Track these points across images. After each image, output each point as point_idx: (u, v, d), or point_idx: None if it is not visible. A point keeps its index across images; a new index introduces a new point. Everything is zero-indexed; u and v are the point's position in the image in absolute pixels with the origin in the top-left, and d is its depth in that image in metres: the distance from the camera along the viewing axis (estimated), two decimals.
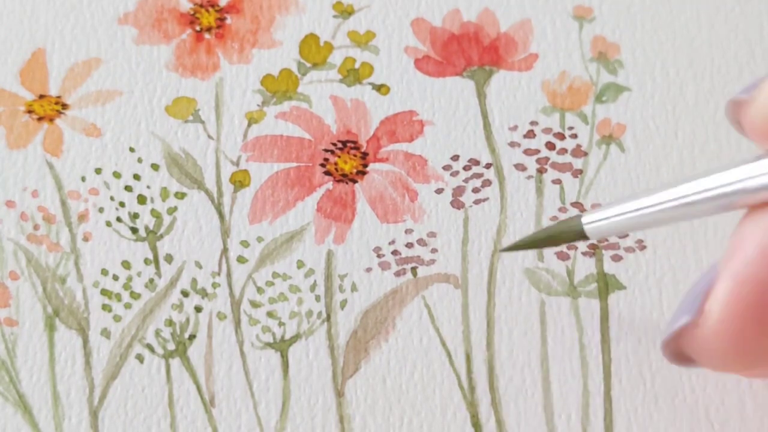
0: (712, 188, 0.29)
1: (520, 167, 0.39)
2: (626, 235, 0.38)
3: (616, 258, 0.38)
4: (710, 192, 0.29)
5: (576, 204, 0.39)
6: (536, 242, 0.35)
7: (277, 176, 0.39)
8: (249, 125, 0.40)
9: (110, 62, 0.41)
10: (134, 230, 0.38)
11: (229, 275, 0.37)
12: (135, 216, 0.38)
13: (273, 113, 0.40)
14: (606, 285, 0.38)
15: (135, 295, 0.37)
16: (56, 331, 0.36)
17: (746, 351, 0.28)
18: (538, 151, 0.40)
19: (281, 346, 0.36)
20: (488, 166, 0.39)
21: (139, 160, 0.39)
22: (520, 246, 0.35)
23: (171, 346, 0.36)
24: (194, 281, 0.37)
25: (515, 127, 0.40)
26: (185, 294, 0.37)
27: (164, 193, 0.38)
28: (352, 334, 0.37)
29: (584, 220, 0.32)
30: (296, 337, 0.36)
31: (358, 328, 0.37)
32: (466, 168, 0.39)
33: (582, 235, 0.33)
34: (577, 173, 0.39)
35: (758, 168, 0.28)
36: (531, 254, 0.38)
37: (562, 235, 0.34)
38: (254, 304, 0.37)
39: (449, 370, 0.36)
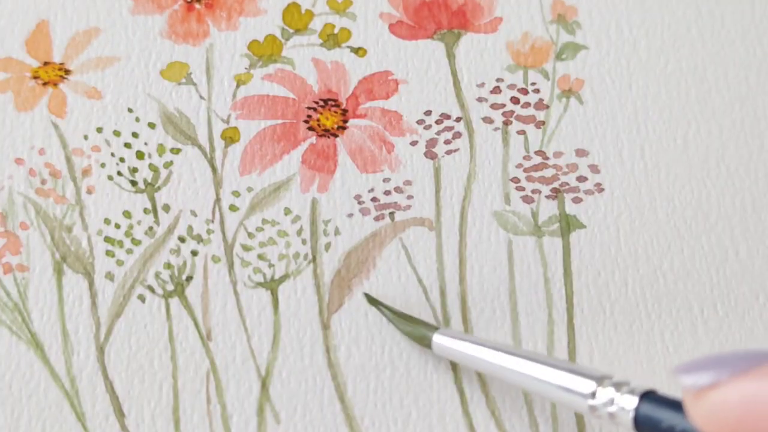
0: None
1: (488, 120, 0.42)
2: (585, 179, 0.41)
3: (577, 200, 0.40)
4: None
5: (539, 152, 0.41)
6: (396, 319, 0.37)
7: (264, 132, 0.41)
8: (237, 86, 0.42)
9: (108, 31, 0.43)
10: (134, 183, 0.40)
11: (222, 222, 0.39)
12: (134, 170, 0.40)
13: (259, 75, 0.42)
14: (568, 224, 0.40)
15: (136, 242, 0.39)
16: (64, 275, 0.38)
17: None
18: (503, 105, 0.42)
19: (271, 285, 0.38)
20: (458, 119, 0.42)
21: (137, 120, 0.41)
22: (384, 309, 0.38)
23: (170, 287, 0.38)
24: (190, 228, 0.39)
25: (482, 84, 0.42)
26: (182, 240, 0.39)
27: (161, 149, 0.40)
28: (336, 273, 0.39)
29: (436, 338, 0.36)
30: (285, 277, 0.38)
31: (342, 268, 0.39)
32: (438, 122, 0.42)
33: (427, 345, 0.36)
34: (540, 124, 0.42)
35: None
36: (499, 198, 0.40)
37: (414, 333, 0.37)
38: (246, 248, 0.39)
39: (425, 304, 0.38)
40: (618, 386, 0.29)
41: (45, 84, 0.41)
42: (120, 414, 0.36)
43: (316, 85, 0.42)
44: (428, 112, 0.42)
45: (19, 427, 0.36)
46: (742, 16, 0.44)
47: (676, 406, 0.27)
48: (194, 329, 0.38)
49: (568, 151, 0.41)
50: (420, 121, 0.42)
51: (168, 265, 0.39)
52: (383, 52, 0.43)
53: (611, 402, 0.29)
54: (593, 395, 0.30)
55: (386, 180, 0.40)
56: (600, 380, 0.30)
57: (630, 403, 0.29)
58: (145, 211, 0.39)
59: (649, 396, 0.28)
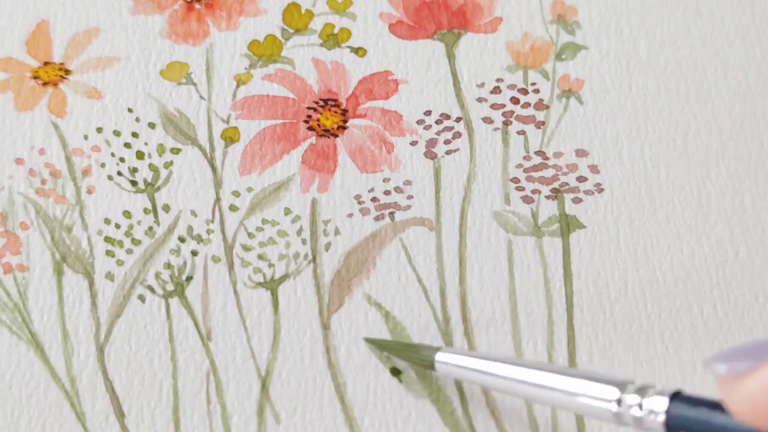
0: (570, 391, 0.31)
1: (488, 120, 0.42)
2: (585, 179, 0.41)
3: (577, 200, 0.40)
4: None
5: (539, 152, 0.41)
6: (395, 349, 0.37)
7: (264, 132, 0.41)
8: (237, 86, 0.42)
9: (108, 31, 0.43)
10: (134, 183, 0.40)
11: (222, 222, 0.39)
12: (134, 170, 0.40)
13: (260, 75, 0.42)
14: (568, 225, 0.40)
15: (136, 242, 0.39)
16: (64, 275, 0.38)
17: None
18: (503, 106, 0.42)
19: (271, 285, 0.38)
20: (458, 119, 0.42)
21: (137, 120, 0.41)
22: (382, 345, 0.37)
23: (170, 287, 0.38)
24: (190, 228, 0.39)
25: (482, 84, 0.42)
26: (182, 240, 0.39)
27: (161, 149, 0.40)
28: (336, 273, 0.39)
29: (438, 357, 0.35)
30: (285, 277, 0.39)
31: (342, 268, 0.39)
32: (438, 122, 0.42)
33: (431, 367, 0.35)
34: (540, 125, 0.42)
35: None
36: (498, 198, 0.40)
37: (415, 357, 0.36)
38: (246, 248, 0.39)
39: (425, 305, 0.38)
40: (642, 390, 0.29)
41: (45, 84, 0.41)
42: (120, 414, 0.36)
43: (316, 85, 0.42)
44: (428, 112, 0.42)
45: (19, 427, 0.36)
46: (742, 16, 0.44)
47: (707, 404, 0.27)
48: (194, 329, 0.38)
49: (568, 152, 0.41)
50: (420, 121, 0.42)
51: (168, 265, 0.39)
52: (383, 52, 0.43)
53: (639, 406, 0.29)
54: (618, 402, 0.29)
55: (386, 180, 0.40)
56: (622, 385, 0.30)
57: (660, 405, 0.28)
58: (145, 211, 0.39)
59: (678, 396, 0.28)
